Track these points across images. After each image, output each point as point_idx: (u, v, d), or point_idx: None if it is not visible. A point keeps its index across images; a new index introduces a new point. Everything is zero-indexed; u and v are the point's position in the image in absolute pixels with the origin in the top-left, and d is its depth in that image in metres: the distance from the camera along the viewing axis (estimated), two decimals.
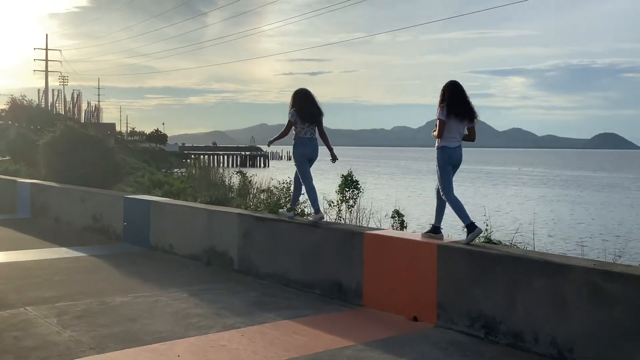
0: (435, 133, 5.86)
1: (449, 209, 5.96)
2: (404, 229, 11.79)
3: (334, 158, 7.36)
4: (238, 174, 20.33)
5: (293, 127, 7.15)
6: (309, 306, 6.20)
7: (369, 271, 6.12)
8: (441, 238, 5.92)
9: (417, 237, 6.02)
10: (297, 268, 6.92)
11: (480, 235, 6.82)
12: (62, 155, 14.80)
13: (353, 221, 12.54)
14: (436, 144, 5.90)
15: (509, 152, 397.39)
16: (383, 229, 7.32)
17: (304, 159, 7.20)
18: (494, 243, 6.96)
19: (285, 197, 8.35)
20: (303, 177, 7.22)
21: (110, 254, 9.15)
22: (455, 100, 5.79)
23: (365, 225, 11.90)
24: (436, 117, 5.85)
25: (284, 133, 7.21)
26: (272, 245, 7.28)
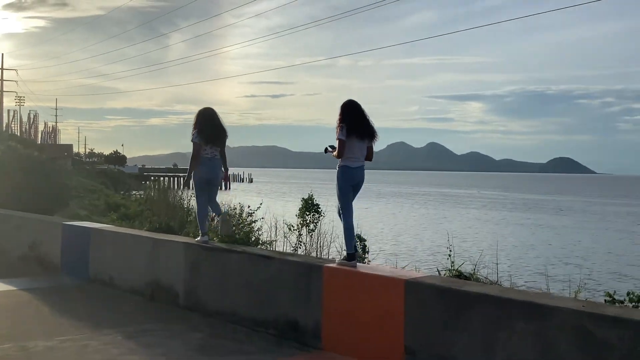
0: (335, 154, 5.71)
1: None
2: (366, 254, 11.28)
3: (226, 177, 7.36)
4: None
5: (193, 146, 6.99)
6: (261, 349, 5.50)
7: (328, 309, 5.46)
8: (354, 265, 5.55)
9: (383, 271, 5.41)
10: (249, 305, 6.21)
11: (449, 268, 6.43)
12: (1, 178, 13.76)
13: (314, 246, 11.94)
14: (337, 164, 5.75)
15: (467, 176, 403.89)
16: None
17: (203, 180, 7.07)
18: (465, 277, 6.40)
19: (239, 224, 7.67)
20: (197, 198, 7.13)
21: (43, 287, 8.26)
22: (355, 120, 5.70)
23: (326, 251, 11.29)
24: (336, 137, 5.68)
25: (194, 156, 6.96)
26: (222, 279, 6.55)
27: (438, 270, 6.91)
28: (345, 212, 5.77)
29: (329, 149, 5.90)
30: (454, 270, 6.54)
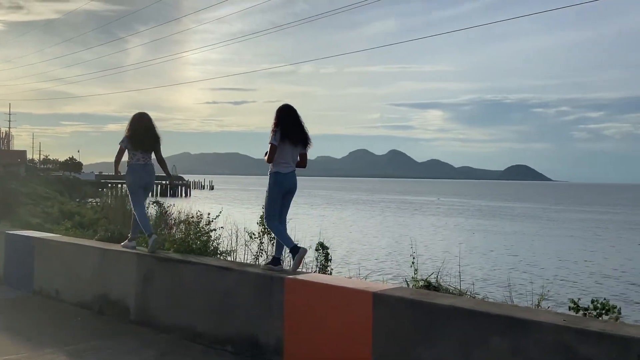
0: (266, 158, 5.64)
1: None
2: (329, 262, 10.98)
3: (170, 183, 7.47)
4: (154, 204, 18.75)
5: (127, 153, 6.91)
6: None
7: (290, 324, 5.10)
8: (280, 270, 5.53)
9: (349, 283, 5.09)
10: (206, 320, 5.79)
11: (413, 276, 6.19)
12: None
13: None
14: (269, 170, 5.70)
15: (428, 183, 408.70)
16: (308, 273, 6.33)
17: (136, 186, 6.95)
18: (434, 287, 6.12)
19: (195, 233, 7.23)
20: (134, 205, 6.95)
21: None
22: (289, 125, 5.60)
23: (288, 260, 10.94)
24: (268, 142, 5.59)
25: (117, 159, 6.95)
26: (177, 292, 6.11)
27: (406, 281, 6.62)
28: (272, 219, 5.73)
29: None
30: (422, 280, 6.25)
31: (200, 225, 7.51)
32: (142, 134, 6.88)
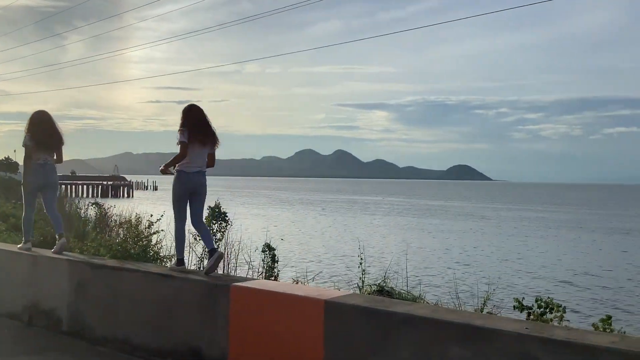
0: (179, 157, 5.53)
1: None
2: (276, 263, 10.72)
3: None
4: (94, 206, 18.00)
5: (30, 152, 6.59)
6: None
7: (236, 335, 4.78)
8: (184, 270, 5.55)
9: (299, 290, 4.80)
10: (145, 331, 5.40)
11: (372, 283, 5.98)
12: None
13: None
14: (174, 169, 5.64)
15: (373, 182, 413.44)
16: (254, 279, 6.00)
17: (33, 187, 6.75)
18: (388, 291, 5.92)
19: (134, 237, 6.80)
20: (26, 205, 6.75)
21: None
22: (197, 125, 5.58)
23: (234, 262, 10.59)
24: (177, 142, 5.52)
25: (27, 158, 6.63)
26: (113, 301, 5.70)
27: (359, 287, 6.40)
28: (178, 219, 5.67)
29: (171, 169, 5.63)
30: (374, 285, 6.04)
31: (140, 228, 7.08)
32: (46, 133, 6.67)
